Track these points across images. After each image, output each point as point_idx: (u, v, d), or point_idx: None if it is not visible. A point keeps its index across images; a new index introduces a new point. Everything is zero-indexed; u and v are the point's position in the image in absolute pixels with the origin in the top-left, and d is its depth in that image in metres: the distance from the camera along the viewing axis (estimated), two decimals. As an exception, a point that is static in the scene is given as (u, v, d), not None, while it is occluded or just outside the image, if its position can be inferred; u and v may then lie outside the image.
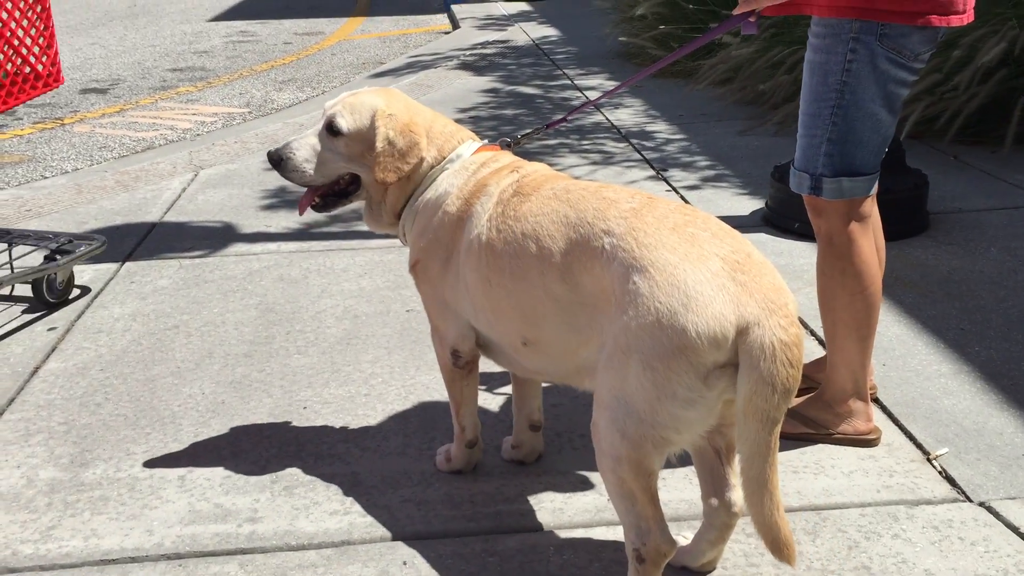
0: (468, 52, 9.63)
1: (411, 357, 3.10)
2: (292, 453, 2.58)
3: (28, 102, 8.10)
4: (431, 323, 2.35)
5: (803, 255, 3.88)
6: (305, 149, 2.27)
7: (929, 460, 2.49)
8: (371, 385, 2.94)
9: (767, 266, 1.80)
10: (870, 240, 2.51)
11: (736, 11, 2.44)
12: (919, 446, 2.55)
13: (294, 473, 2.48)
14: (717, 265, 1.74)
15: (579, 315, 1.93)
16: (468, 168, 2.25)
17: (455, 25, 11.85)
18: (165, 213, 4.64)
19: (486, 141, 2.40)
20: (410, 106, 2.31)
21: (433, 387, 2.90)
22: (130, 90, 8.65)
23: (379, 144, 2.21)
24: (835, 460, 2.49)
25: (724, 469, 2.01)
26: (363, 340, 3.24)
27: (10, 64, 3.48)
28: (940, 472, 2.44)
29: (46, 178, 5.86)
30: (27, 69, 3.56)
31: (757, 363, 1.68)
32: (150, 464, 2.54)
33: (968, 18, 2.40)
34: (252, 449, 2.60)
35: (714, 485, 2.03)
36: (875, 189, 2.53)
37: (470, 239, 2.14)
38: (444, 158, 2.28)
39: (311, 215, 4.55)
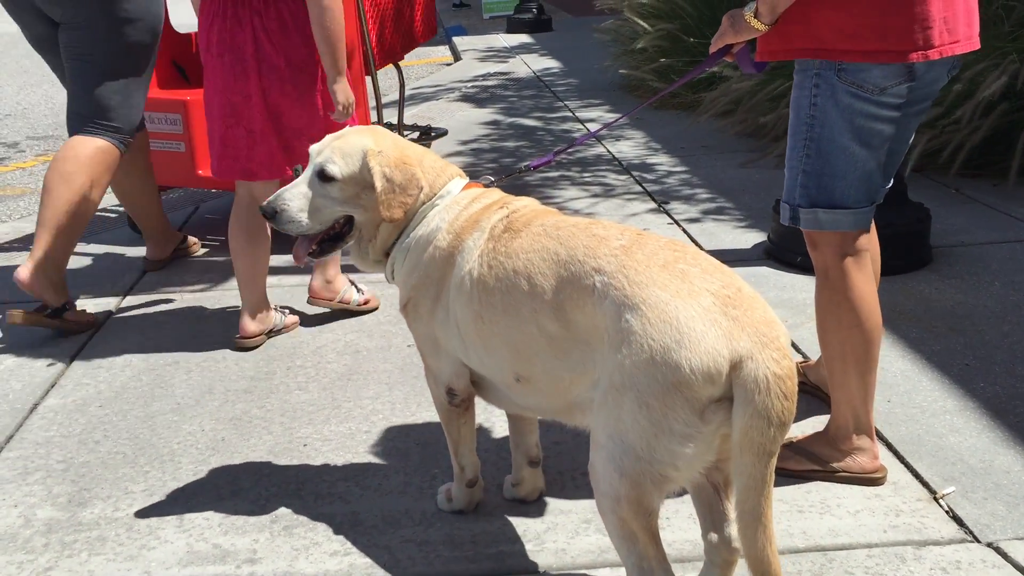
0: (469, 84, 9.68)
1: (412, 393, 3.08)
2: (292, 492, 2.55)
3: (31, 135, 8.13)
4: (424, 362, 2.34)
5: (805, 289, 3.86)
6: (298, 199, 2.24)
7: (936, 499, 2.46)
8: (372, 422, 2.92)
9: (758, 300, 1.82)
10: (867, 275, 2.53)
11: (711, 49, 2.54)
12: (925, 484, 2.53)
13: (294, 512, 2.46)
14: (708, 301, 1.76)
15: (572, 352, 1.94)
16: (459, 203, 2.24)
17: (456, 57, 11.92)
18: (166, 246, 4.63)
19: (475, 184, 2.36)
20: (398, 142, 2.30)
21: (434, 424, 2.88)
22: (133, 122, 8.68)
23: (379, 184, 2.19)
24: (841, 499, 2.46)
25: (723, 504, 1.98)
26: (364, 376, 3.22)
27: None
28: (947, 512, 2.41)
29: (48, 211, 5.86)
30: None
31: (752, 397, 1.69)
32: (149, 503, 2.52)
33: (950, 50, 2.37)
34: (252, 488, 2.58)
35: (713, 521, 2.01)
36: (869, 224, 2.55)
37: (461, 275, 2.14)
38: (435, 194, 2.26)
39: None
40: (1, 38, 15.63)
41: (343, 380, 3.20)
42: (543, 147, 6.64)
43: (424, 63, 12.17)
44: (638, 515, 1.81)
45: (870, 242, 2.58)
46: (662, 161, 6.07)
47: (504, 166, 6.14)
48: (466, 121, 7.64)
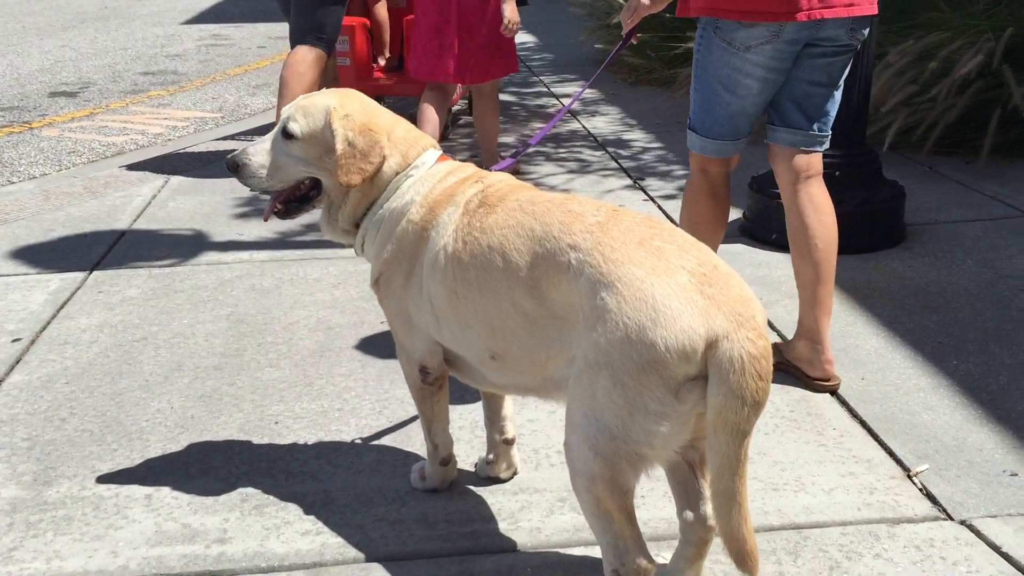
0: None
1: (385, 370, 3.05)
2: (263, 470, 2.52)
3: (-4, 105, 7.95)
4: (396, 340, 2.30)
5: (780, 266, 3.86)
6: (261, 155, 2.21)
7: (910, 477, 2.47)
8: (344, 399, 2.88)
9: (734, 277, 1.80)
10: (709, 192, 3.03)
11: (630, 23, 2.92)
12: (899, 462, 2.53)
13: (265, 491, 2.42)
14: (684, 279, 1.74)
15: (548, 329, 1.91)
16: (434, 176, 2.19)
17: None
18: (135, 220, 4.56)
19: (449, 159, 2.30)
20: (368, 106, 2.23)
21: (407, 401, 2.85)
22: (100, 94, 8.53)
23: (339, 146, 2.13)
24: (816, 477, 2.46)
25: (698, 483, 1.96)
26: (336, 352, 3.18)
27: None
28: (921, 489, 2.42)
29: (13, 183, 5.74)
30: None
31: (726, 376, 1.68)
32: (116, 482, 2.47)
33: (819, 14, 2.66)
34: (222, 466, 2.54)
35: (688, 499, 1.99)
36: (728, 155, 2.97)
37: (435, 250, 2.09)
38: (409, 165, 2.21)
39: (284, 223, 4.49)
40: (-35, 6, 15.33)
41: (315, 357, 3.15)
42: (518, 122, 6.59)
43: (398, 36, 12.04)
44: (613, 494, 1.80)
45: (732, 167, 3.04)
46: (637, 137, 6.04)
47: (477, 141, 6.08)
48: (440, 95, 7.56)
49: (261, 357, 3.16)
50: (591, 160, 5.58)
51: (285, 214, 2.30)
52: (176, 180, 5.25)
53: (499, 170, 2.44)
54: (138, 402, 2.87)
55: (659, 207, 4.66)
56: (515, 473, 2.49)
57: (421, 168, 2.21)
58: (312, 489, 2.43)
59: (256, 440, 2.66)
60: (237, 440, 2.66)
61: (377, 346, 3.21)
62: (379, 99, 5.77)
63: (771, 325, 3.32)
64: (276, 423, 2.75)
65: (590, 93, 7.50)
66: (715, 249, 3.06)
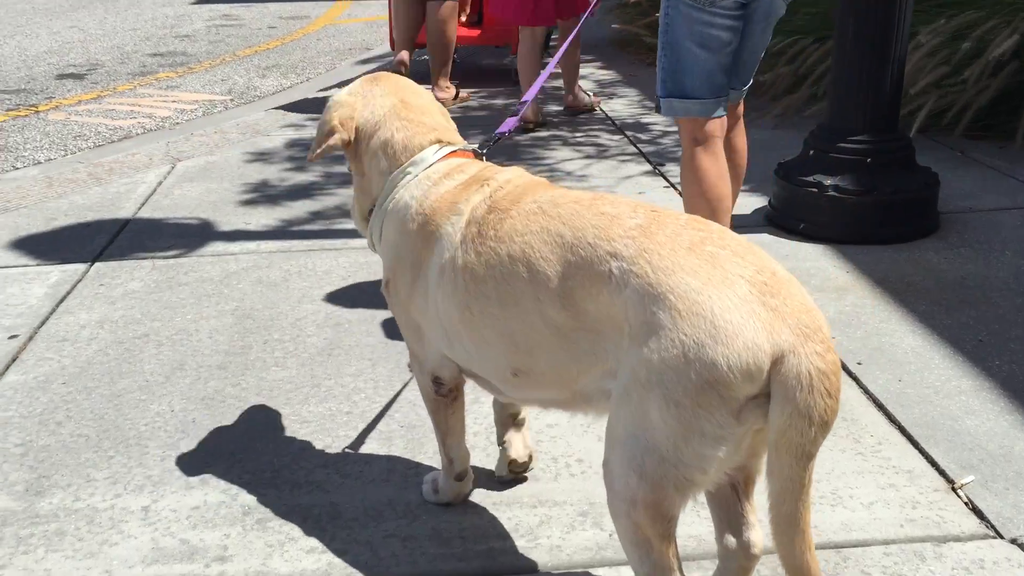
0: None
1: (396, 370, 2.91)
2: (267, 480, 2.38)
3: (2, 88, 7.85)
4: (408, 348, 2.17)
5: (809, 257, 3.69)
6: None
7: (954, 489, 2.31)
8: (353, 402, 2.74)
9: (795, 285, 1.63)
10: (712, 156, 3.06)
11: None
12: (942, 473, 2.37)
13: (268, 504, 2.29)
14: (744, 288, 1.56)
15: (580, 342, 1.74)
16: (430, 178, 2.05)
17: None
18: (139, 209, 4.42)
19: (457, 147, 2.15)
20: (373, 93, 2.17)
21: (419, 404, 2.69)
22: (108, 76, 8.39)
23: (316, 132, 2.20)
24: (853, 489, 2.31)
25: (742, 506, 1.81)
26: (346, 350, 3.04)
27: None
28: (967, 503, 2.26)
29: (17, 169, 5.62)
30: None
31: (793, 395, 1.52)
32: (112, 492, 2.34)
33: None
34: (223, 475, 2.40)
35: (730, 523, 1.83)
36: (719, 113, 3.07)
37: (441, 263, 1.93)
38: (401, 164, 2.09)
39: (291, 211, 4.35)
40: (-26, -13, 15.21)
41: (323, 355, 3.01)
42: (519, 97, 6.41)
43: (410, 16, 11.85)
44: (656, 521, 1.64)
45: (719, 131, 3.10)
46: (657, 120, 5.86)
47: (489, 122, 5.91)
48: (455, 77, 7.38)
49: (267, 355, 3.02)
50: (609, 144, 5.41)
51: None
52: (182, 166, 5.11)
53: (505, 131, 2.42)
54: (137, 404, 2.74)
55: (680, 194, 4.48)
56: (532, 455, 2.34)
57: (419, 166, 2.08)
58: (318, 501, 2.29)
59: (261, 446, 2.53)
60: (240, 446, 2.53)
61: (388, 343, 3.07)
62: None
63: (801, 321, 3.16)
64: (282, 427, 2.61)
65: (607, 75, 7.32)
66: (730, 211, 3.18)
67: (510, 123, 2.48)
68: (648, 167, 4.95)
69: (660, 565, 1.67)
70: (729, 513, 1.83)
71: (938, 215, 3.97)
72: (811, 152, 3.96)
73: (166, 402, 2.75)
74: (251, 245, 3.95)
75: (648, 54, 7.75)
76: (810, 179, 3.87)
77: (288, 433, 2.59)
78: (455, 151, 2.13)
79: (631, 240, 1.67)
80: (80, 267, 3.74)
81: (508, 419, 2.31)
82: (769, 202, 4.16)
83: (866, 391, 2.75)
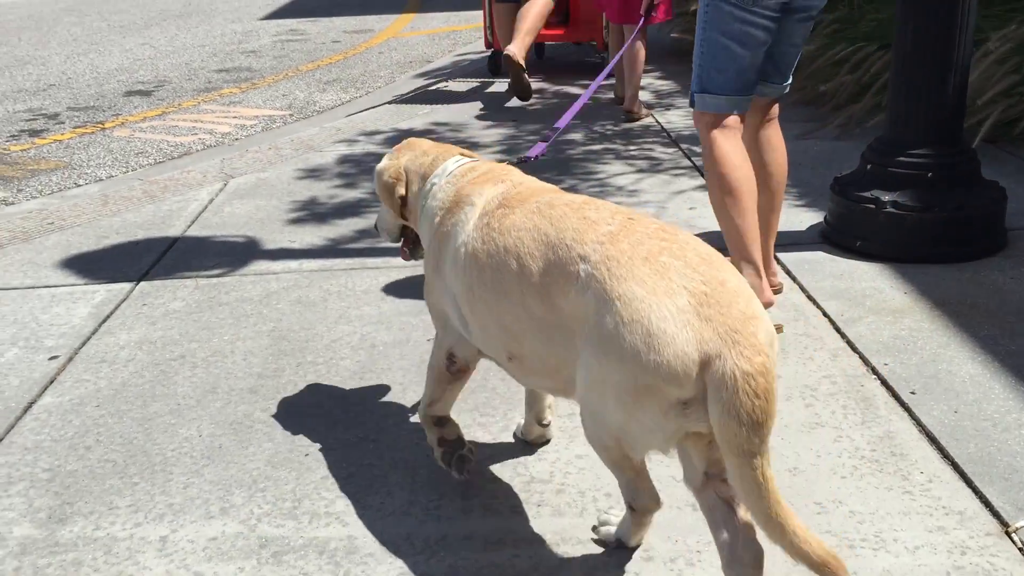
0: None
1: (428, 395, 2.84)
2: (287, 511, 2.33)
3: (72, 105, 8.04)
4: (434, 322, 2.40)
5: (865, 277, 3.53)
6: (380, 215, 2.62)
7: (1008, 533, 2.16)
8: (381, 429, 2.68)
9: (742, 295, 1.75)
10: (732, 142, 3.11)
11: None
12: (996, 515, 2.22)
13: (286, 536, 2.24)
14: (684, 300, 1.72)
15: (557, 336, 1.92)
16: (453, 178, 2.31)
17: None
18: (188, 227, 4.45)
19: (476, 158, 2.44)
20: (405, 149, 2.50)
21: (448, 432, 2.64)
22: (174, 92, 8.54)
23: (380, 192, 2.50)
24: (899, 532, 2.17)
25: (736, 517, 1.87)
26: (378, 374, 2.99)
27: None
28: (1021, 549, 2.11)
29: (79, 186, 5.74)
30: None
31: (719, 395, 1.66)
32: (132, 521, 2.32)
33: None
34: (244, 504, 2.36)
35: (729, 536, 1.88)
36: (744, 109, 3.15)
37: (456, 248, 2.16)
38: (429, 178, 2.37)
39: (337, 229, 4.33)
40: (56, 4, 15.70)
41: (355, 379, 2.97)
42: (587, 117, 6.32)
43: (473, 28, 11.85)
44: (625, 465, 1.96)
45: (738, 123, 3.15)
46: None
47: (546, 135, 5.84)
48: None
49: (299, 379, 2.98)
50: (663, 158, 5.29)
51: (413, 256, 2.62)
52: (235, 183, 5.14)
53: (533, 156, 2.72)
54: (167, 428, 2.73)
55: (733, 210, 4.35)
56: (547, 441, 2.57)
57: (443, 175, 2.34)
58: (336, 534, 2.23)
59: (284, 474, 2.49)
60: (264, 474, 2.49)
61: (420, 367, 3.00)
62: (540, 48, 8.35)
63: (853, 346, 3.01)
64: (307, 455, 2.57)
65: (665, 85, 7.18)
66: (755, 193, 3.15)
67: (540, 148, 2.78)
68: (701, 181, 4.82)
69: (631, 481, 2.02)
70: (714, 510, 1.90)
71: (1005, 232, 3.77)
72: (868, 166, 3.79)
73: (195, 426, 2.73)
74: (293, 264, 3.94)
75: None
76: (867, 195, 3.71)
77: (313, 460, 2.54)
78: (473, 162, 2.38)
79: (599, 246, 1.84)
80: (126, 286, 3.76)
81: (534, 421, 2.53)
82: (825, 218, 4.00)
83: (918, 423, 2.59)
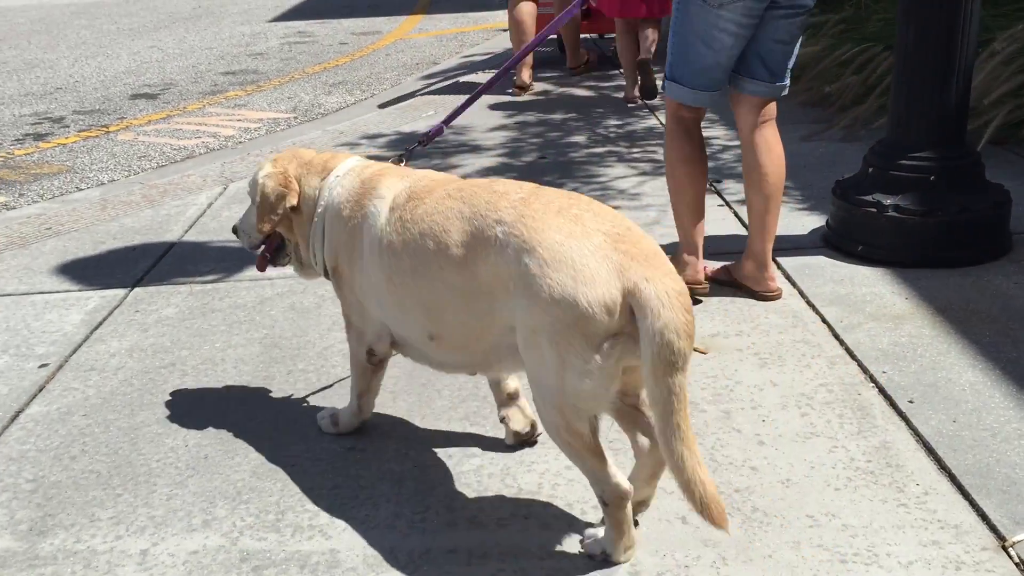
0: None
1: (416, 404, 2.81)
2: (270, 524, 2.30)
3: (78, 109, 8.04)
4: (347, 322, 2.50)
5: (866, 282, 3.47)
6: (243, 219, 2.66)
7: (1005, 548, 2.10)
8: (369, 438, 2.65)
9: (647, 238, 1.96)
10: (687, 135, 3.35)
11: None
12: (993, 528, 2.16)
13: (268, 549, 2.20)
14: (599, 239, 1.88)
15: (478, 303, 2.05)
16: (354, 172, 2.43)
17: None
18: (186, 232, 4.43)
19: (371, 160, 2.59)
20: (289, 158, 2.55)
21: (436, 442, 2.60)
22: (180, 95, 8.54)
23: (258, 200, 2.53)
24: (892, 546, 2.12)
25: (645, 415, 2.07)
26: (369, 382, 2.95)
27: None
28: (1018, 564, 2.05)
29: (81, 190, 5.73)
30: None
31: (659, 314, 1.79)
32: (114, 534, 2.29)
33: None
34: (227, 517, 2.33)
35: (638, 429, 2.12)
36: (705, 103, 3.32)
37: (370, 241, 2.27)
38: (330, 171, 2.47)
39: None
40: (68, 7, 15.75)
41: (345, 387, 2.91)
42: (591, 119, 6.28)
43: (480, 29, 11.82)
44: (576, 437, 1.98)
45: (702, 117, 3.40)
46: (718, 134, 5.66)
47: (549, 140, 5.81)
48: (513, 92, 7.30)
49: (289, 387, 2.95)
50: (666, 160, 5.23)
51: (273, 262, 2.69)
52: (234, 187, 5.11)
53: (431, 134, 2.87)
54: (153, 438, 2.70)
55: (735, 213, 4.30)
56: (533, 423, 2.51)
57: (341, 171, 2.45)
58: (318, 548, 2.20)
59: (268, 485, 2.45)
60: (248, 485, 2.46)
61: (411, 375, 2.97)
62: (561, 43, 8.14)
63: (852, 353, 2.96)
64: (293, 465, 2.54)
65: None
66: (702, 187, 3.42)
67: (435, 128, 2.94)
68: (704, 184, 4.76)
69: (594, 468, 2.01)
70: (636, 423, 2.11)
71: (1010, 236, 3.70)
72: (870, 169, 3.73)
73: (181, 436, 2.70)
74: (289, 269, 3.89)
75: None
76: (869, 198, 3.65)
77: (299, 471, 2.51)
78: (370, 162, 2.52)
79: (513, 209, 1.99)
80: (119, 292, 3.74)
81: (505, 398, 2.54)
82: (827, 222, 3.94)
83: (916, 433, 2.54)
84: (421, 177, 2.33)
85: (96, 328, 3.43)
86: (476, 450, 2.57)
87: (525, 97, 7.05)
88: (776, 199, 3.35)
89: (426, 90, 7.85)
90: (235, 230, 2.70)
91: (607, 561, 2.08)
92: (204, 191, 5.06)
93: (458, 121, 6.53)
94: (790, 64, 3.29)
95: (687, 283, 3.00)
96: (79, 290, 3.79)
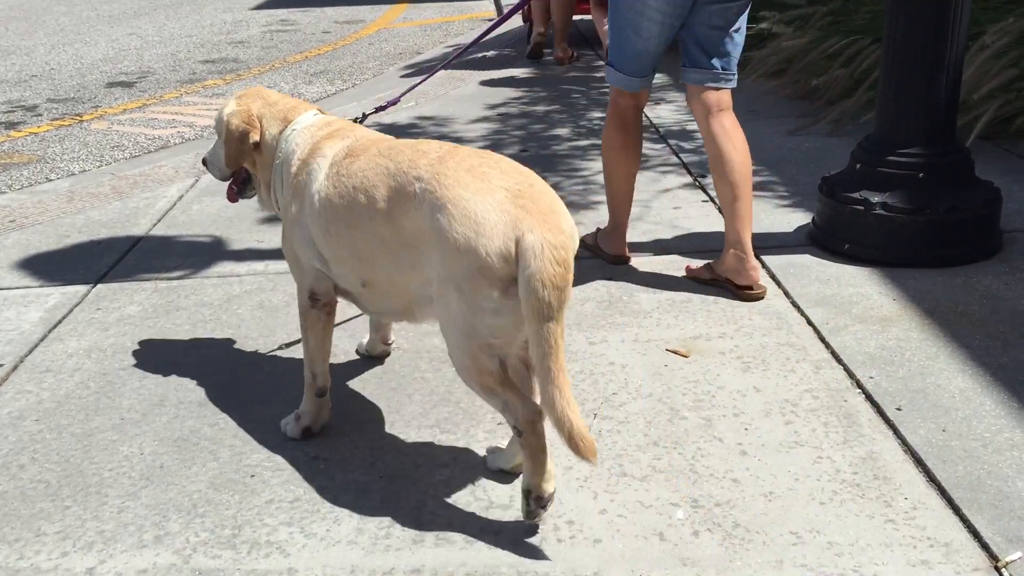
0: (508, 42, 9.17)
1: (387, 409, 2.69)
2: (225, 540, 2.18)
3: (52, 97, 7.87)
4: (293, 275, 2.59)
5: (853, 282, 3.37)
6: (212, 153, 2.76)
7: (997, 568, 2.00)
8: (334, 446, 2.53)
9: (548, 194, 2.12)
10: (621, 128, 3.48)
11: None
12: (985, 547, 2.06)
13: (222, 568, 2.08)
14: (501, 195, 2.05)
15: (404, 255, 2.22)
16: (309, 130, 2.54)
17: (499, 12, 11.38)
18: (154, 225, 4.29)
19: (330, 114, 2.67)
20: (254, 97, 2.66)
21: (404, 450, 2.49)
22: (157, 83, 8.37)
23: (224, 137, 2.63)
24: (879, 566, 2.01)
25: (532, 379, 2.17)
26: (337, 385, 2.82)
27: None
28: (1011, 586, 1.96)
29: (50, 181, 5.57)
30: None
31: (529, 262, 1.97)
32: (59, 550, 2.16)
33: None
34: (180, 532, 2.21)
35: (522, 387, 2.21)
36: (638, 89, 3.41)
37: (311, 194, 2.41)
38: (287, 126, 2.58)
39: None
40: (43, -5, 15.49)
41: (312, 391, 2.80)
42: (575, 112, 6.15)
43: (466, 18, 11.68)
44: (488, 375, 2.12)
45: (643, 104, 3.50)
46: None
47: (531, 133, 5.68)
48: (498, 83, 7.17)
49: (252, 392, 2.83)
50: (650, 154, 5.12)
51: (240, 195, 2.80)
52: (207, 179, 4.97)
53: (389, 103, 3.14)
54: (107, 446, 2.57)
55: (719, 209, 4.19)
56: (391, 343, 2.97)
57: (299, 126, 2.56)
58: (275, 567, 2.08)
59: (226, 497, 2.33)
60: (205, 496, 2.33)
61: (381, 378, 2.86)
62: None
63: (838, 357, 2.86)
64: (252, 476, 2.42)
65: (658, 79, 7.00)
66: (633, 172, 3.58)
67: (393, 99, 3.23)
68: (688, 179, 4.66)
69: (505, 398, 2.13)
70: (522, 385, 2.20)
71: (1000, 235, 3.60)
72: (857, 166, 3.63)
73: (137, 444, 2.57)
74: (259, 265, 3.78)
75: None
76: (856, 195, 3.54)
77: (258, 482, 2.39)
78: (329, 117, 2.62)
79: (430, 167, 2.16)
80: (81, 289, 3.61)
81: (379, 342, 2.97)
82: (813, 220, 3.84)
83: (904, 442, 2.44)
84: (360, 136, 2.47)
85: (55, 327, 3.30)
86: (446, 459, 2.45)
87: (508, 88, 6.92)
88: (744, 187, 3.32)
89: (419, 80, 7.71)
90: (204, 162, 2.79)
91: (539, 501, 2.13)
92: (176, 183, 4.92)
93: (440, 111, 6.42)
94: (735, 53, 3.33)
95: (611, 255, 3.59)
96: (39, 286, 3.66)
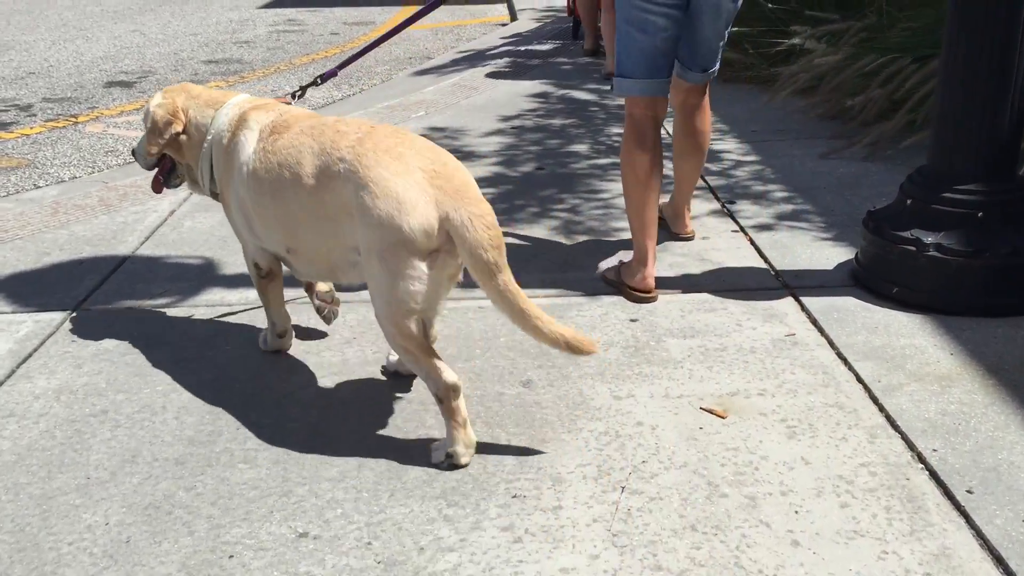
0: (521, 49, 8.86)
1: (386, 474, 2.38)
2: (193, 640, 1.87)
3: (48, 96, 7.57)
4: (239, 240, 2.86)
5: (904, 332, 3.05)
6: (140, 144, 2.94)
7: None
8: (326, 520, 2.22)
9: (460, 171, 2.37)
10: (640, 144, 3.35)
11: None
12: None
13: None
14: (419, 176, 2.30)
15: (325, 226, 2.45)
16: (238, 106, 2.75)
17: (513, 16, 11.08)
18: (142, 244, 3.99)
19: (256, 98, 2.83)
20: (179, 91, 2.85)
21: (405, 527, 2.17)
22: (158, 84, 8.06)
23: (150, 128, 2.84)
24: None
25: (428, 336, 2.49)
26: (331, 442, 2.52)
27: None
28: None
29: (38, 188, 5.27)
30: None
31: (465, 235, 2.24)
32: (1, 647, 1.86)
33: None
34: (143, 628, 1.90)
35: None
36: (650, 93, 3.30)
37: (240, 167, 2.63)
38: (217, 109, 2.77)
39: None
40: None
41: (303, 448, 2.50)
42: (593, 125, 5.84)
43: (478, 23, 11.37)
44: (409, 339, 2.36)
45: (663, 113, 3.38)
46: (730, 148, 5.23)
47: (548, 149, 5.37)
48: (511, 93, 6.87)
49: (236, 447, 2.52)
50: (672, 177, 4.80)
51: (167, 184, 2.98)
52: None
53: (325, 75, 3.26)
54: (68, 512, 2.26)
55: (751, 241, 3.88)
56: (334, 301, 3.10)
57: (227, 107, 2.75)
58: None
59: (199, 583, 2.02)
60: (175, 582, 2.02)
61: (382, 435, 2.55)
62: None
63: (894, 423, 2.54)
64: (231, 557, 2.10)
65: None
66: (655, 196, 3.40)
67: (331, 72, 3.33)
68: (716, 205, 4.35)
69: (426, 366, 2.37)
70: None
71: (1064, 280, 3.28)
72: (908, 201, 3.30)
73: (102, 510, 2.26)
74: (252, 294, 3.45)
75: (724, 69, 7.09)
76: (907, 234, 3.22)
77: (236, 565, 2.07)
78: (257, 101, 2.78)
79: (351, 149, 2.37)
80: (57, 317, 3.30)
81: (313, 296, 3.10)
82: (856, 257, 3.51)
83: (979, 535, 2.12)
84: (284, 112, 2.67)
85: (24, 361, 2.99)
86: (453, 541, 2.14)
87: (522, 99, 6.61)
88: (702, 161, 3.84)
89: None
90: (134, 153, 2.97)
91: (453, 465, 2.36)
92: (168, 195, 4.60)
93: (451, 122, 6.11)
94: (720, 50, 3.47)
95: (636, 290, 3.33)
96: (12, 312, 3.35)
